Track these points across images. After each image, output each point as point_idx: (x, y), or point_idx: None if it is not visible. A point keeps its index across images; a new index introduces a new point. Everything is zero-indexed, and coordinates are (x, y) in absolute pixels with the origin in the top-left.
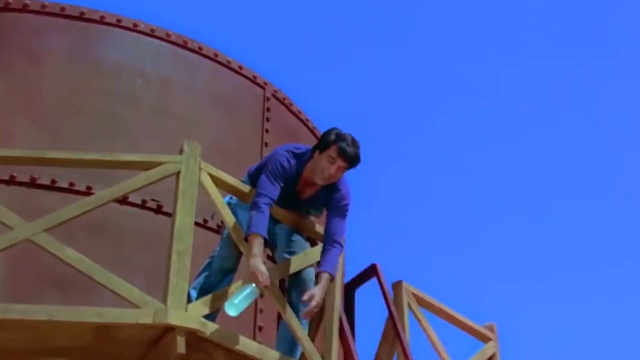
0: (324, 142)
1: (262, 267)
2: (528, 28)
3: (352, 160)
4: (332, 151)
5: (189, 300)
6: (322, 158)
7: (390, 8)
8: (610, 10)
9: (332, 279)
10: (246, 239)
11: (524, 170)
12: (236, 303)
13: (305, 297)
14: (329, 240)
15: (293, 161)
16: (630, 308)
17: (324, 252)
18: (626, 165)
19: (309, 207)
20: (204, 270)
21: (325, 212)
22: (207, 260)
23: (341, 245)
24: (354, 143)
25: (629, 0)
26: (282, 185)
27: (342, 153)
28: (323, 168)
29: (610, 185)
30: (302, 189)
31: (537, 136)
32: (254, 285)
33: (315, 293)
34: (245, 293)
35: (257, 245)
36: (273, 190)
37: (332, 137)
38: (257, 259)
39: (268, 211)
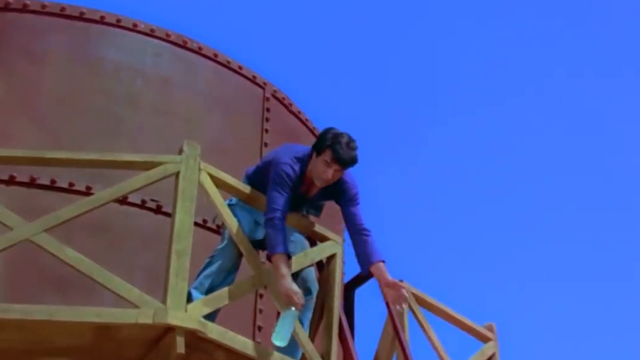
0: (319, 145)
1: (294, 287)
2: (532, 29)
3: (347, 164)
4: (327, 155)
5: (190, 300)
6: (319, 162)
7: (391, 7)
8: (614, 17)
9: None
10: (269, 259)
11: (524, 171)
12: (281, 333)
13: (401, 292)
14: (359, 230)
15: (297, 166)
16: (629, 307)
17: (360, 243)
18: (626, 168)
19: (310, 207)
20: (204, 269)
21: (326, 210)
22: (207, 260)
23: (370, 230)
24: (349, 145)
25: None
26: (290, 194)
27: (336, 158)
28: (320, 172)
29: (610, 186)
30: (307, 189)
31: (538, 138)
32: (292, 308)
33: (394, 281)
34: (285, 320)
35: (284, 266)
36: (284, 202)
37: (328, 141)
38: (286, 279)
39: (283, 225)
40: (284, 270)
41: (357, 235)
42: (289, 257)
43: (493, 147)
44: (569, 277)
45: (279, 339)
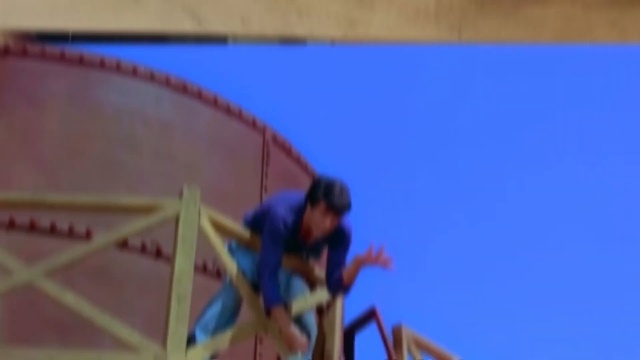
0: (312, 198)
1: (294, 332)
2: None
3: (342, 212)
4: (322, 206)
5: (194, 341)
6: (315, 214)
7: (392, 50)
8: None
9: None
10: (268, 314)
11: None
12: None
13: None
14: (336, 279)
15: (291, 218)
16: (629, 307)
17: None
18: (626, 173)
19: (310, 252)
20: (207, 309)
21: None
22: (211, 300)
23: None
24: (342, 192)
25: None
26: (283, 246)
27: (332, 209)
28: (317, 223)
29: (611, 188)
30: (305, 237)
31: (536, 138)
32: (298, 355)
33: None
34: None
35: (282, 317)
36: (276, 257)
37: (320, 193)
38: (290, 326)
39: (275, 278)
40: (286, 318)
41: (332, 280)
42: (285, 305)
43: (493, 147)
44: (571, 310)
45: None
